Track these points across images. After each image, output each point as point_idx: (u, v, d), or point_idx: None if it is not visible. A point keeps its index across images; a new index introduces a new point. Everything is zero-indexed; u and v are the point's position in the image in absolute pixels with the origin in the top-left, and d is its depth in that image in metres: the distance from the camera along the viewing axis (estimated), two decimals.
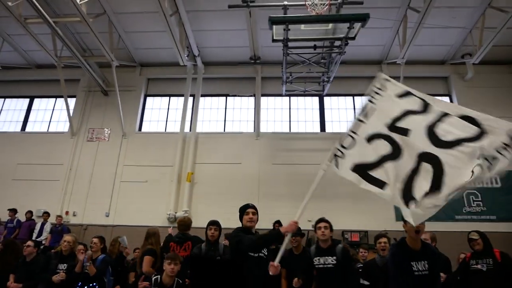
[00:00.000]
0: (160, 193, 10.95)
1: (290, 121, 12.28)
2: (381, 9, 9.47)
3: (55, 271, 4.97)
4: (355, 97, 12.31)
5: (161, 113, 12.77)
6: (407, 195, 2.73)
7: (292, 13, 8.60)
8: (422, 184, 2.70)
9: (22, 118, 13.12)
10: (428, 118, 2.99)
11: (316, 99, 12.44)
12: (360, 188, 2.95)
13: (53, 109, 13.17)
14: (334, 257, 3.96)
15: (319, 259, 4.04)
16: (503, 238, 8.22)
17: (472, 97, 11.29)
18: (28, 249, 5.48)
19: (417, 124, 2.98)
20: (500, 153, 2.53)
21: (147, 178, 11.24)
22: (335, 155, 3.20)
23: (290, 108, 12.46)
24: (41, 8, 8.86)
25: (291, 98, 12.49)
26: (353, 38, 8.50)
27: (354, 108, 12.01)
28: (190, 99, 12.35)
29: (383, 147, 3.03)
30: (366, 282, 4.37)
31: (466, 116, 2.90)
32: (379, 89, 3.34)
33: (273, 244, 5.84)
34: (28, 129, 12.92)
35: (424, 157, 2.79)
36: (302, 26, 8.34)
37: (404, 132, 2.99)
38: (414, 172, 2.79)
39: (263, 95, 12.27)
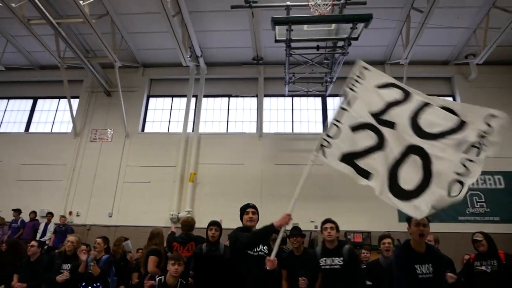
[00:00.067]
0: (163, 193, 10.96)
1: (292, 121, 12.27)
2: (384, 10, 9.45)
3: (58, 271, 4.98)
4: None
5: (164, 114, 12.79)
6: (395, 187, 2.79)
7: (295, 13, 8.59)
8: (411, 175, 2.75)
9: (25, 119, 13.18)
10: (410, 107, 3.05)
11: (319, 99, 12.43)
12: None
13: (57, 110, 13.22)
14: (341, 258, 3.92)
15: (325, 260, 3.99)
16: (506, 239, 8.17)
17: (476, 98, 11.22)
18: (32, 249, 5.50)
19: (401, 117, 3.03)
20: (483, 142, 2.65)
21: (150, 178, 11.26)
22: (322, 145, 3.23)
23: (292, 109, 12.45)
24: (44, 9, 8.90)
25: (294, 98, 12.47)
26: (356, 39, 8.48)
27: None
28: (193, 99, 12.37)
29: (368, 138, 3.07)
30: (368, 282, 4.36)
31: (446, 107, 2.99)
32: (358, 77, 3.37)
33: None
34: (31, 129, 12.98)
35: (412, 149, 2.85)
36: (305, 27, 8.32)
37: (391, 125, 3.03)
38: (399, 163, 2.85)
39: (265, 95, 12.27)
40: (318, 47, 9.33)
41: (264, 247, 3.64)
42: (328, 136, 3.23)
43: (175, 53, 10.78)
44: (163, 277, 4.04)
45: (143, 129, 12.47)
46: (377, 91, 3.26)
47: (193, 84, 12.38)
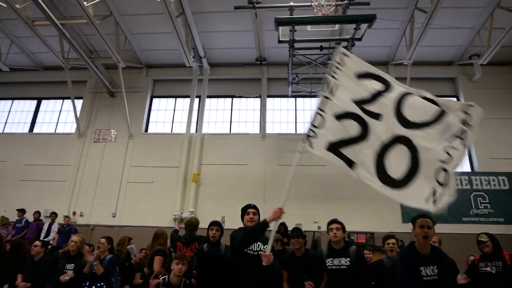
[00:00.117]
0: (166, 194, 10.98)
1: (296, 122, 12.25)
2: (388, 10, 9.42)
3: (62, 271, 5.01)
4: None
5: (167, 114, 12.82)
6: (384, 176, 2.87)
7: (298, 14, 8.60)
8: (399, 165, 2.85)
9: (30, 120, 13.25)
10: (393, 97, 3.11)
11: None
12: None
13: (60, 111, 13.28)
14: (348, 259, 3.89)
15: (332, 260, 3.96)
16: (511, 241, 8.11)
17: (480, 98, 11.17)
18: (36, 249, 5.53)
19: (385, 107, 3.09)
20: (464, 129, 2.78)
21: (153, 179, 11.28)
22: (308, 136, 3.23)
23: (296, 109, 12.44)
24: (48, 11, 8.95)
25: (297, 99, 12.45)
26: (360, 39, 8.48)
27: None
28: (196, 100, 12.39)
29: (353, 128, 3.11)
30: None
31: (425, 97, 3.10)
32: (339, 63, 3.40)
33: (278, 243, 5.86)
34: (36, 130, 13.04)
35: (398, 139, 2.93)
36: (308, 27, 8.32)
37: (376, 116, 3.09)
38: (386, 152, 2.93)
39: (269, 96, 12.28)
40: (321, 48, 9.33)
41: (264, 246, 3.64)
42: (314, 126, 3.23)
43: (178, 53, 10.81)
44: (167, 276, 4.04)
45: (146, 130, 12.50)
46: (358, 82, 3.30)
47: (196, 84, 12.41)
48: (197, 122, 12.10)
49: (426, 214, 3.23)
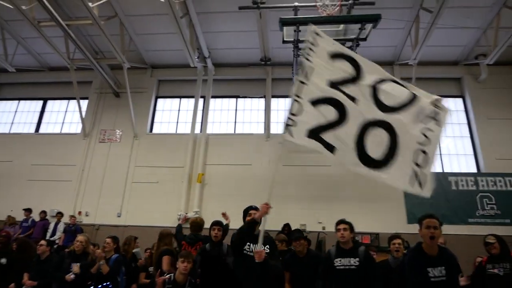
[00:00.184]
0: (171, 194, 10.99)
1: None
2: (393, 10, 9.39)
3: (68, 270, 5.03)
4: None
5: (172, 115, 12.85)
6: (365, 157, 2.94)
7: (302, 14, 8.58)
8: (378, 146, 2.94)
9: (36, 120, 13.34)
10: (365, 83, 3.19)
11: None
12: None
13: (66, 111, 13.35)
14: (357, 259, 3.87)
15: (340, 260, 3.93)
16: None
17: (486, 99, 11.12)
18: (41, 248, 5.58)
19: (361, 92, 3.15)
20: (436, 110, 2.91)
21: (158, 179, 11.31)
22: (287, 125, 3.20)
23: None
24: (54, 12, 9.00)
25: None
26: (365, 39, 8.45)
27: None
28: (201, 100, 12.41)
29: (330, 112, 3.12)
30: None
31: (396, 81, 3.22)
32: (312, 44, 3.39)
33: (284, 244, 5.85)
34: (41, 130, 13.12)
35: (377, 123, 3.01)
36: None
37: (352, 99, 3.13)
38: (364, 135, 2.99)
39: (273, 96, 12.26)
40: None
41: (266, 246, 3.64)
42: (292, 114, 3.19)
43: (183, 54, 10.84)
44: (172, 274, 4.05)
45: (151, 130, 12.54)
46: (332, 63, 3.32)
47: (201, 85, 12.44)
48: (201, 122, 12.13)
49: (432, 215, 3.22)
